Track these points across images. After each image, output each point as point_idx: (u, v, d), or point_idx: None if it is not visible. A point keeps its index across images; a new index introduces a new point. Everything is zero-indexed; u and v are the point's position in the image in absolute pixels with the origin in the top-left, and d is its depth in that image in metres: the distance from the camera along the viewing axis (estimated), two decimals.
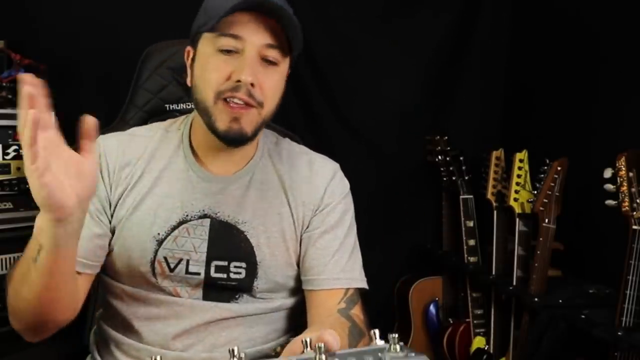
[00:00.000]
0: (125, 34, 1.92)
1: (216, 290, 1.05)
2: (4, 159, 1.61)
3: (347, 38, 2.28)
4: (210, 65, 0.99)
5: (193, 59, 1.04)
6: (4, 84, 1.70)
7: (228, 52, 0.98)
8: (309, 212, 1.09)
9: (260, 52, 0.98)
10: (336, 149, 2.42)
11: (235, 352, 0.56)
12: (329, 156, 1.16)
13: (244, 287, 1.05)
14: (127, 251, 1.03)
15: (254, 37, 0.97)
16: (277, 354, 1.05)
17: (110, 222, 1.04)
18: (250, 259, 1.05)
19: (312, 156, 1.15)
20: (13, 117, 1.63)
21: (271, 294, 1.08)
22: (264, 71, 0.99)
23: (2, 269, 1.59)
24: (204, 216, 1.04)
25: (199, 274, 1.03)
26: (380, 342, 0.60)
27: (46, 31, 1.91)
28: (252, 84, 0.97)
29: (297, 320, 1.14)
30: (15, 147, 1.63)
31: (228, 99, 0.97)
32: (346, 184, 1.15)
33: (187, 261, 1.03)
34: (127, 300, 1.06)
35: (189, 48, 1.06)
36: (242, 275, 1.05)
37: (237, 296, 1.06)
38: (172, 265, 1.03)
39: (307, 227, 1.09)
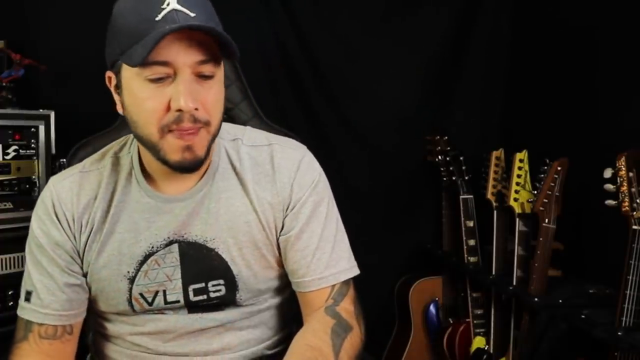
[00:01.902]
0: None
1: (201, 308, 1.03)
2: (4, 159, 1.61)
3: (347, 38, 2.27)
4: (142, 95, 0.88)
5: (118, 86, 0.93)
6: (4, 84, 1.70)
7: (158, 79, 0.87)
8: (279, 213, 1.03)
9: (194, 70, 0.88)
10: (336, 149, 2.44)
11: None
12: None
13: (228, 301, 1.04)
14: (102, 293, 1.02)
15: (184, 58, 0.86)
16: None
17: (82, 268, 1.02)
18: (227, 274, 1.02)
19: (274, 147, 1.06)
20: (13, 117, 1.63)
21: (257, 299, 1.06)
22: (202, 89, 0.90)
23: (2, 269, 1.59)
24: (171, 242, 1.00)
25: (178, 301, 1.02)
26: None
27: (46, 31, 1.91)
28: (195, 109, 0.88)
29: (288, 315, 1.13)
30: (15, 147, 1.62)
31: (175, 131, 0.89)
32: (314, 169, 1.07)
33: (164, 292, 1.01)
34: (112, 322, 1.06)
35: (109, 74, 0.95)
36: (223, 292, 1.02)
37: (222, 307, 1.04)
38: (149, 300, 1.01)
39: (282, 230, 1.04)
